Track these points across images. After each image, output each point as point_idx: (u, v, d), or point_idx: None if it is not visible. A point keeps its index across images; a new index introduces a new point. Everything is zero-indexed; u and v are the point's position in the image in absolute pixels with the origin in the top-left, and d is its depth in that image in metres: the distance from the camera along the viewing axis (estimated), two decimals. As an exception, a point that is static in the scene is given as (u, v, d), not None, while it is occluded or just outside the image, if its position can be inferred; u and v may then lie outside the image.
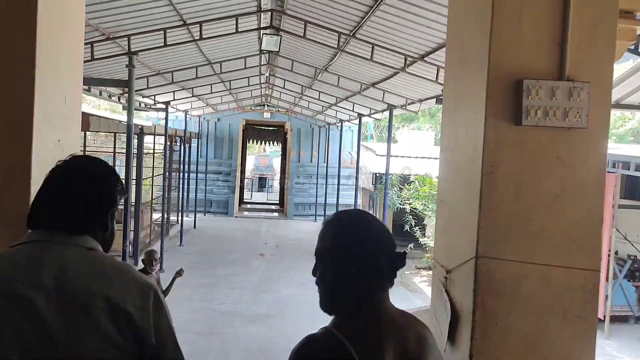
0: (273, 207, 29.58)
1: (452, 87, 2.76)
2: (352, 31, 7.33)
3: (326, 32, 7.21)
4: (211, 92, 14.94)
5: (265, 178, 40.30)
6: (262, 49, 8.36)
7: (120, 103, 12.41)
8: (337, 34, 7.22)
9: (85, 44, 7.16)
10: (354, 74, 10.59)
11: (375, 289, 1.65)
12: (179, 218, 20.05)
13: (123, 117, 22.85)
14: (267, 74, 12.24)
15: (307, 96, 15.34)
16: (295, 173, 25.69)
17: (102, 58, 7.56)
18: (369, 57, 7.58)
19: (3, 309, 1.45)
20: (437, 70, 8.14)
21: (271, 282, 13.61)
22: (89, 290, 1.50)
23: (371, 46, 7.45)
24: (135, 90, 11.33)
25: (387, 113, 12.33)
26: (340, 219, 1.74)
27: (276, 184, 43.72)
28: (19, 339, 1.45)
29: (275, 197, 33.40)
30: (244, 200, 30.43)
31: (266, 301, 12.21)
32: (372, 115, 14.44)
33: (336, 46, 7.70)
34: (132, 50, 7.13)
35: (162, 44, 7.25)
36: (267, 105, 24.67)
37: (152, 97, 14.08)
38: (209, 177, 24.44)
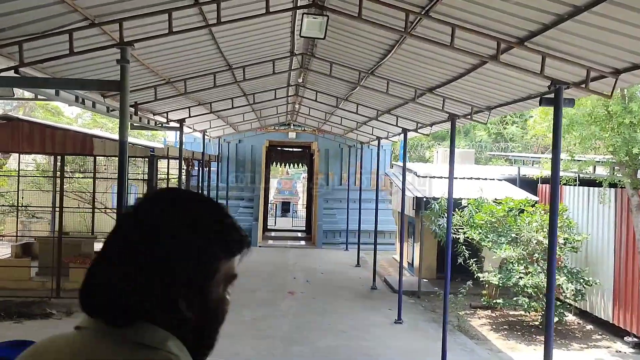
0: (299, 234, 27.45)
1: None
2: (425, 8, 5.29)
3: (390, 10, 5.21)
4: (232, 108, 13.02)
5: (289, 202, 38.28)
6: (301, 34, 6.40)
7: (130, 121, 10.53)
8: (404, 12, 5.19)
9: (62, 32, 5.22)
10: (408, 77, 8.53)
11: None
12: (198, 250, 18.06)
13: (134, 139, 21.14)
14: (300, 79, 10.35)
15: (343, 109, 13.34)
16: (323, 197, 23.61)
17: (85, 52, 5.64)
18: (447, 43, 5.47)
19: None
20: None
21: (305, 330, 11.44)
22: None
23: (451, 28, 5.37)
24: (141, 104, 9.45)
25: (444, 125, 10.29)
26: None
27: (301, 209, 41.75)
28: None
29: (300, 222, 31.29)
30: (268, 227, 28.38)
31: (301, 356, 10.04)
32: (418, 131, 12.37)
33: (403, 28, 5.59)
34: (124, 39, 5.20)
35: (167, 31, 5.32)
36: (293, 125, 22.73)
37: (165, 115, 12.20)
38: (231, 203, 22.49)
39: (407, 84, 8.73)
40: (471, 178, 17.76)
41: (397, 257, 20.54)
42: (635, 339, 10.95)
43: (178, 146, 12.99)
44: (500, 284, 11.93)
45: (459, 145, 31.35)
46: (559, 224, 12.49)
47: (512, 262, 12.05)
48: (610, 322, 11.74)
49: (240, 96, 12.55)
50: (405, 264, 19.19)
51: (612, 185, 12.11)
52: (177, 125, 12.22)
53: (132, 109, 9.57)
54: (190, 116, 12.57)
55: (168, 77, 8.86)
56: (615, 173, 10.30)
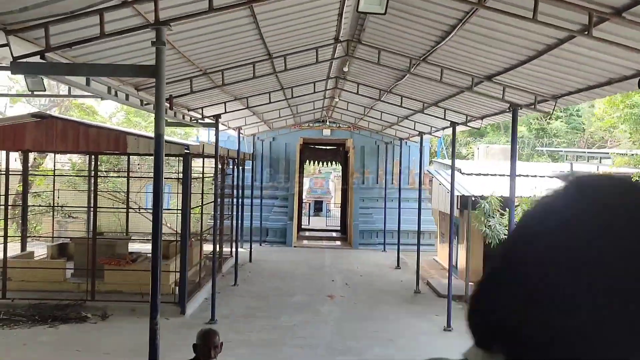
0: (334, 234, 26.77)
1: None
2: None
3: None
4: (269, 102, 12.40)
5: (322, 201, 37.64)
6: (358, 9, 5.70)
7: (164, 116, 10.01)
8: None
9: (92, 12, 4.63)
10: (464, 64, 7.76)
11: None
12: (233, 250, 17.60)
13: (167, 137, 20.76)
14: (346, 68, 9.64)
15: (385, 102, 12.60)
16: (359, 196, 22.86)
17: (117, 33, 5.04)
18: (529, 15, 4.69)
19: None
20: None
21: (349, 338, 10.74)
22: None
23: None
24: (176, 97, 8.89)
25: (496, 118, 9.49)
26: None
27: (333, 208, 41.09)
28: None
29: (334, 222, 30.61)
30: (302, 227, 27.79)
31: (347, 367, 9.35)
32: (468, 124, 11.57)
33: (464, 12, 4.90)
34: (160, 19, 4.59)
35: (207, 8, 4.69)
36: (328, 122, 22.06)
37: (200, 111, 11.67)
38: (265, 202, 21.97)
39: (464, 71, 7.93)
40: (520, 175, 16.79)
41: (438, 259, 19.69)
42: None
43: (213, 144, 12.46)
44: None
45: (499, 141, 30.23)
46: None
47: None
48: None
49: (277, 90, 11.93)
50: (447, 266, 18.31)
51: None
52: (213, 121, 11.66)
53: (167, 104, 9.02)
54: (225, 112, 12.00)
55: (205, 67, 8.27)
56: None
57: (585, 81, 7.00)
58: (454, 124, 11.55)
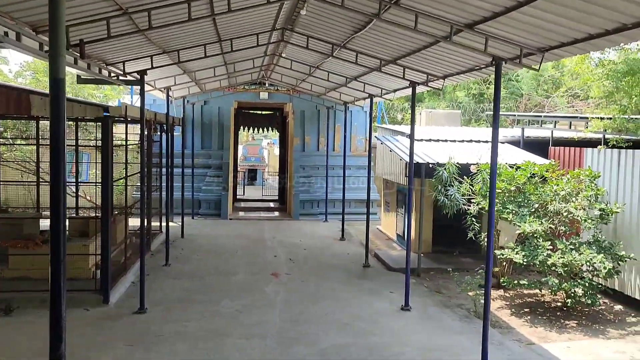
0: (272, 204, 25.41)
1: None
2: None
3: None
4: (204, 56, 10.71)
5: (256, 170, 36.03)
6: None
7: (76, 67, 8.14)
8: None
9: None
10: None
11: None
12: (163, 225, 15.91)
13: (87, 96, 18.45)
14: (304, 12, 8.14)
15: (336, 57, 11.23)
16: (299, 164, 21.55)
17: None
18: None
19: None
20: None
21: (301, 324, 9.56)
22: None
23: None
24: (89, 42, 7.13)
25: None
26: None
27: (269, 176, 39.59)
28: None
29: (271, 192, 29.21)
30: (237, 197, 26.23)
31: (302, 360, 8.18)
32: (383, 96, 10.71)
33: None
34: None
35: None
36: (266, 84, 20.39)
37: (121, 66, 9.83)
38: (197, 172, 20.22)
39: (442, 18, 6.72)
40: (471, 141, 16.06)
41: (382, 229, 18.86)
42: (683, 324, 9.55)
43: (137, 107, 10.67)
44: (524, 262, 10.29)
45: (438, 107, 29.69)
46: (587, 193, 10.93)
47: (536, 237, 10.40)
48: (649, 302, 10.33)
49: (214, 42, 10.28)
50: (393, 236, 17.53)
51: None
52: (137, 77, 9.89)
53: (77, 52, 7.24)
54: (152, 67, 10.24)
55: (125, 4, 6.55)
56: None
57: (458, 67, 6.25)
58: (413, 84, 10.40)
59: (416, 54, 9.05)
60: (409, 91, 12.65)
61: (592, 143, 12.86)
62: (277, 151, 31.03)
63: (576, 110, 24.70)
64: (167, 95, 14.44)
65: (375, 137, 17.84)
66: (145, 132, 11.49)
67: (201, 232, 17.95)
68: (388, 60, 10.11)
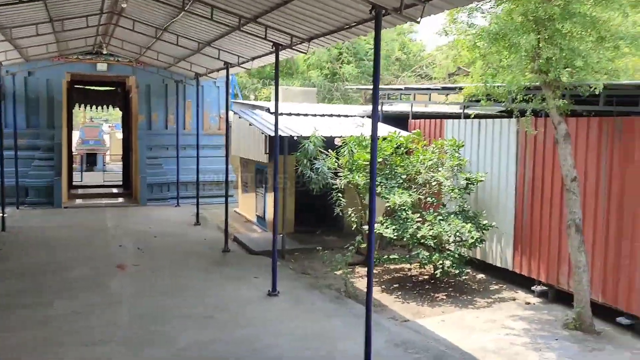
0: (115, 190, 22.92)
1: None
2: None
3: None
4: (19, 1, 8.62)
5: (96, 154, 32.61)
6: None
7: None
8: None
9: None
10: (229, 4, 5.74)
11: None
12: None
13: None
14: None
15: (162, 40, 9.86)
16: (145, 144, 19.49)
17: None
18: None
19: None
20: None
21: (155, 321, 8.15)
22: None
23: None
24: None
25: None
26: None
27: (111, 161, 36.23)
28: None
29: (113, 177, 26.51)
30: (73, 184, 23.29)
31: (157, 365, 6.84)
32: (241, 65, 10.00)
33: None
34: None
35: None
36: (104, 54, 17.95)
37: None
38: (22, 154, 17.30)
39: (231, 11, 5.94)
40: (332, 115, 15.51)
41: (240, 211, 17.76)
42: (543, 288, 9.80)
43: None
44: (394, 237, 9.89)
45: (293, 84, 29.09)
46: (453, 163, 10.84)
47: (405, 210, 10.05)
48: (510, 269, 10.51)
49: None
50: (253, 218, 16.51)
51: (509, 114, 10.67)
52: None
53: None
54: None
55: None
56: (534, 100, 8.66)
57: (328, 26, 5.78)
58: (277, 46, 9.36)
59: (280, 9, 8.02)
60: (270, 59, 11.66)
61: (453, 117, 12.95)
62: (120, 135, 28.22)
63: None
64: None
65: (232, 111, 16.55)
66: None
67: (28, 223, 15.32)
68: (248, 18, 8.96)
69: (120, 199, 20.78)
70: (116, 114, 32.95)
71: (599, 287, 8.68)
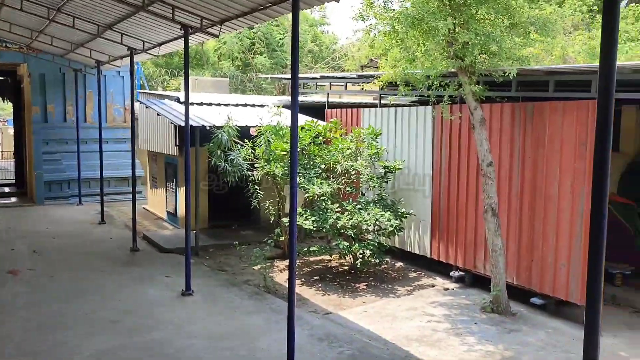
0: (7, 189, 20.95)
1: None
2: None
3: None
4: None
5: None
6: None
7: None
8: None
9: None
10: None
11: None
12: None
13: None
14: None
15: (67, 14, 8.97)
16: (41, 138, 17.92)
17: None
18: None
19: None
20: None
21: (54, 330, 7.32)
22: None
23: None
24: None
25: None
26: None
27: (4, 161, 33.24)
28: None
29: (5, 175, 24.27)
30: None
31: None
32: (148, 52, 9.40)
33: None
34: None
35: None
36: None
37: None
38: None
39: None
40: (246, 105, 14.95)
41: (149, 207, 16.78)
42: (460, 273, 9.90)
43: None
44: (314, 228, 9.58)
45: (204, 75, 28.09)
46: (371, 152, 10.70)
47: (325, 200, 9.78)
48: (429, 256, 10.54)
49: None
50: (164, 215, 15.62)
51: (423, 102, 10.70)
52: None
53: None
54: None
55: None
56: (449, 86, 8.64)
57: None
58: (186, 29, 8.74)
59: (127, 20, 7.52)
60: (179, 44, 10.95)
61: (369, 106, 12.85)
62: (12, 131, 25.89)
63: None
64: None
65: (138, 101, 15.51)
66: None
67: None
68: (105, 26, 8.31)
69: (13, 199, 19.01)
70: (8, 107, 30.34)
71: (514, 270, 8.87)
